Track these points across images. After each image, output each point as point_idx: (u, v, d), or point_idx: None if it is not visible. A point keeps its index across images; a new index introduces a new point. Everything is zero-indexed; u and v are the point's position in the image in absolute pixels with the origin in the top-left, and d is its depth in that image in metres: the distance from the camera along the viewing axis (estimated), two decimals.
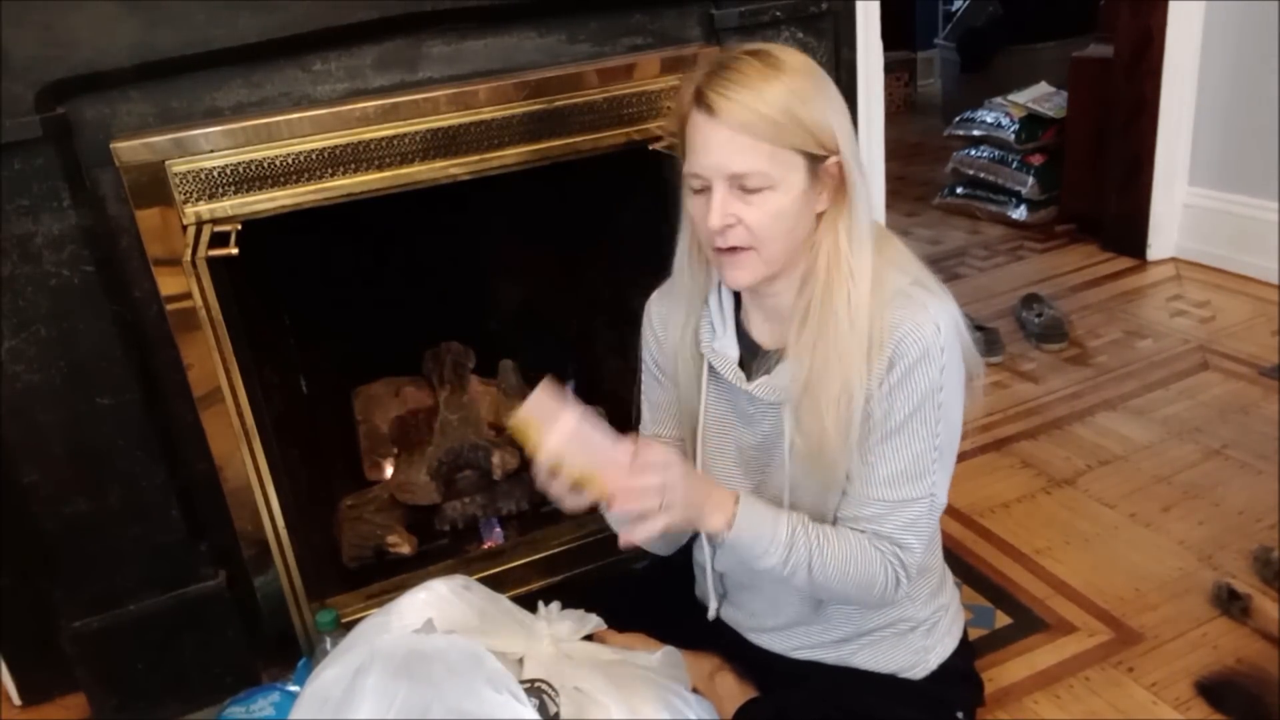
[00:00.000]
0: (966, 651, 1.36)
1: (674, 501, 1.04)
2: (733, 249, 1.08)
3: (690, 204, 1.12)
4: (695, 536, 1.33)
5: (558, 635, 1.26)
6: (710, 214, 1.06)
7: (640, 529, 1.05)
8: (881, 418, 1.10)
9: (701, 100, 1.05)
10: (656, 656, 1.29)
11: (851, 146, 1.08)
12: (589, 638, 1.31)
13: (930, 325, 1.08)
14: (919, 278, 1.13)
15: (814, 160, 1.06)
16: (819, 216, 1.10)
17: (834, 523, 1.18)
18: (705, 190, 1.07)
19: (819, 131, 1.05)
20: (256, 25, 1.30)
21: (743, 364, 1.20)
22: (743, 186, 1.05)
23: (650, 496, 1.03)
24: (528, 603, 1.37)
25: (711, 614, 1.34)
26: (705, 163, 1.06)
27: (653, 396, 1.33)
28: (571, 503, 1.07)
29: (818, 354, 1.09)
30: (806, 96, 1.05)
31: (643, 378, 1.34)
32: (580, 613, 1.30)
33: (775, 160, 1.04)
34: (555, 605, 1.31)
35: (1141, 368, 2.38)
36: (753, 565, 1.14)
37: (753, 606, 1.32)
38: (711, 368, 1.21)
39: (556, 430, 1.03)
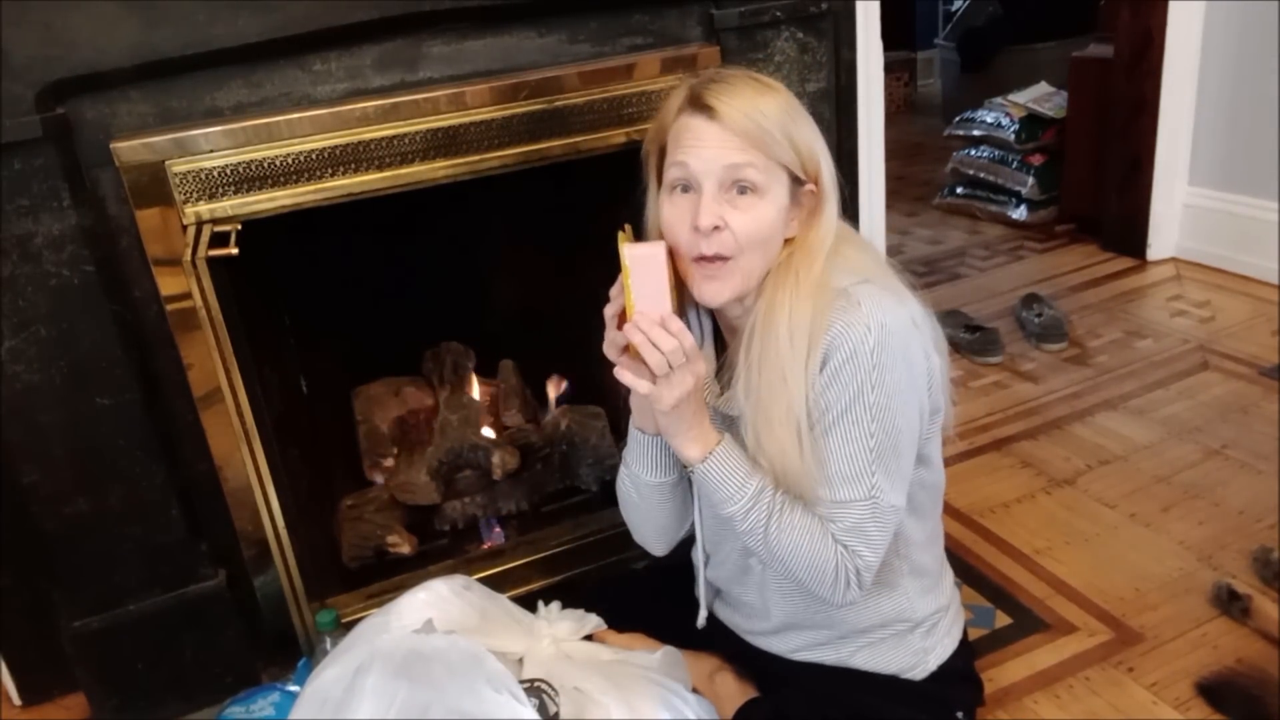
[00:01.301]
0: (966, 652, 1.36)
1: (671, 382, 1.05)
2: (713, 258, 1.08)
3: (668, 211, 1.11)
4: (693, 538, 1.33)
5: (557, 635, 1.26)
6: (700, 213, 1.06)
7: (627, 370, 1.07)
8: (818, 417, 1.10)
9: (698, 103, 1.06)
10: (656, 656, 1.29)
11: (832, 177, 1.11)
12: (589, 638, 1.31)
13: (860, 326, 1.07)
14: (871, 276, 1.12)
15: (796, 182, 1.09)
16: (786, 242, 1.12)
17: None
18: (690, 191, 1.08)
19: (805, 154, 1.08)
20: (256, 25, 1.30)
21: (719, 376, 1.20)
22: (735, 185, 1.06)
23: (661, 343, 1.03)
24: (528, 603, 1.37)
25: (700, 622, 1.35)
26: (702, 156, 1.06)
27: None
28: (612, 340, 1.10)
29: (764, 376, 1.09)
30: (796, 118, 1.08)
31: None
32: (580, 613, 1.30)
33: (766, 168, 1.06)
34: (555, 605, 1.32)
35: (1141, 368, 2.39)
36: (717, 509, 1.14)
37: (746, 610, 1.32)
38: None
39: (640, 250, 1.07)
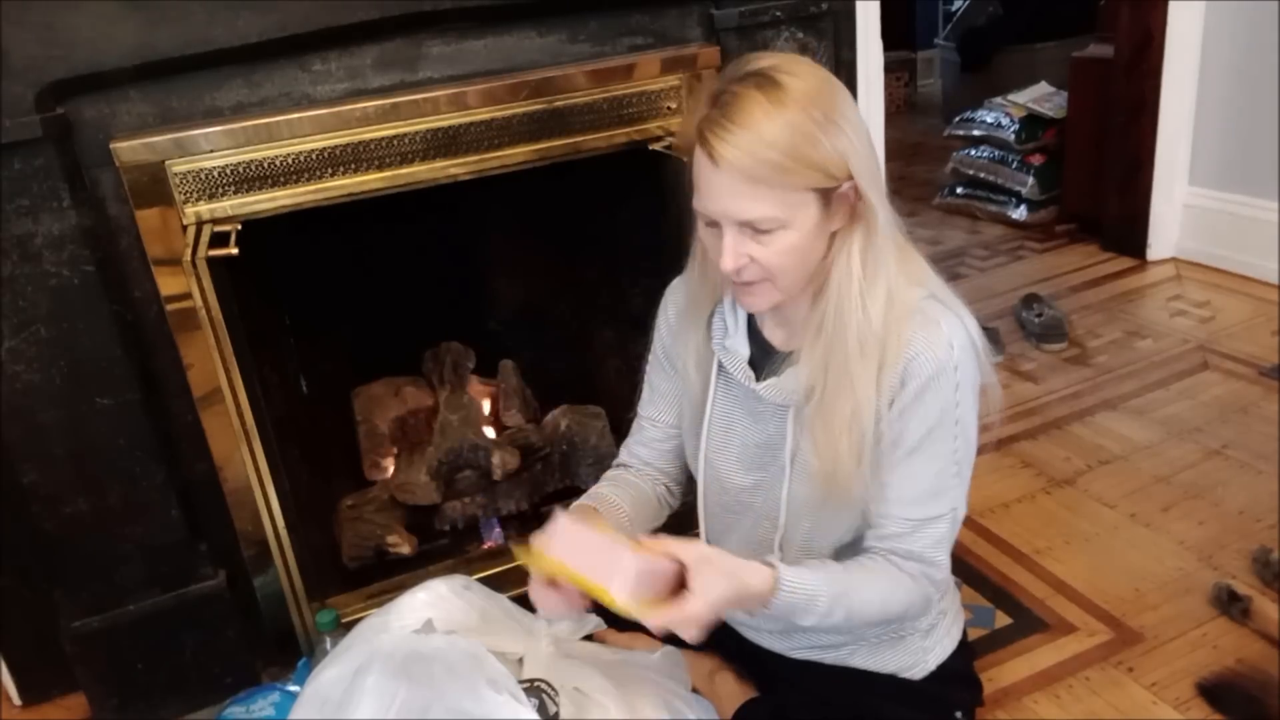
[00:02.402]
0: (965, 652, 1.36)
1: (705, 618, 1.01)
2: (748, 281, 1.07)
3: (702, 235, 1.10)
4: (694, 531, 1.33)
5: (557, 635, 1.26)
6: (723, 257, 1.04)
7: (672, 630, 1.02)
8: (896, 437, 1.09)
9: (704, 143, 1.00)
10: (656, 656, 1.29)
11: (867, 165, 1.03)
12: (589, 638, 1.31)
13: (944, 344, 1.07)
14: (935, 291, 1.11)
15: (826, 191, 1.02)
16: (834, 235, 1.07)
17: (842, 546, 1.18)
18: (715, 226, 1.05)
19: (829, 165, 1.00)
20: (256, 25, 1.30)
21: (752, 362, 1.19)
22: (753, 228, 1.03)
23: (683, 627, 1.00)
24: (528, 603, 1.37)
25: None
26: (712, 208, 1.03)
27: (656, 382, 1.33)
28: (570, 606, 1.05)
29: (830, 375, 1.08)
30: (813, 130, 0.99)
31: (650, 360, 1.34)
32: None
33: (785, 202, 1.01)
34: None
35: (1141, 368, 2.39)
36: (793, 622, 1.12)
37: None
38: (721, 364, 1.21)
39: (553, 539, 1.02)
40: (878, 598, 1.12)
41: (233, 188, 1.35)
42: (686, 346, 1.24)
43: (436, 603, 1.26)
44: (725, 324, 1.20)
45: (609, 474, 1.36)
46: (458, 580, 1.31)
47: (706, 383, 1.23)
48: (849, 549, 1.19)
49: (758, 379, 1.17)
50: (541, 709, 1.15)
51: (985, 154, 3.53)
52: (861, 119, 1.05)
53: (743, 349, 1.19)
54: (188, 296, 1.36)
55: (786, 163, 0.98)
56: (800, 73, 1.01)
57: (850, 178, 1.02)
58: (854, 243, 1.06)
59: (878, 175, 1.06)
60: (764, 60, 1.03)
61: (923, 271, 1.12)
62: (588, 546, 1.01)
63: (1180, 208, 2.92)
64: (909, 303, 1.08)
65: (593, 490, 1.31)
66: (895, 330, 1.07)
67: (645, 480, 1.34)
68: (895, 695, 1.26)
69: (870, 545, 1.16)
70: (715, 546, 1.30)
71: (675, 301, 1.28)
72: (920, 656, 1.27)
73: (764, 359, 1.19)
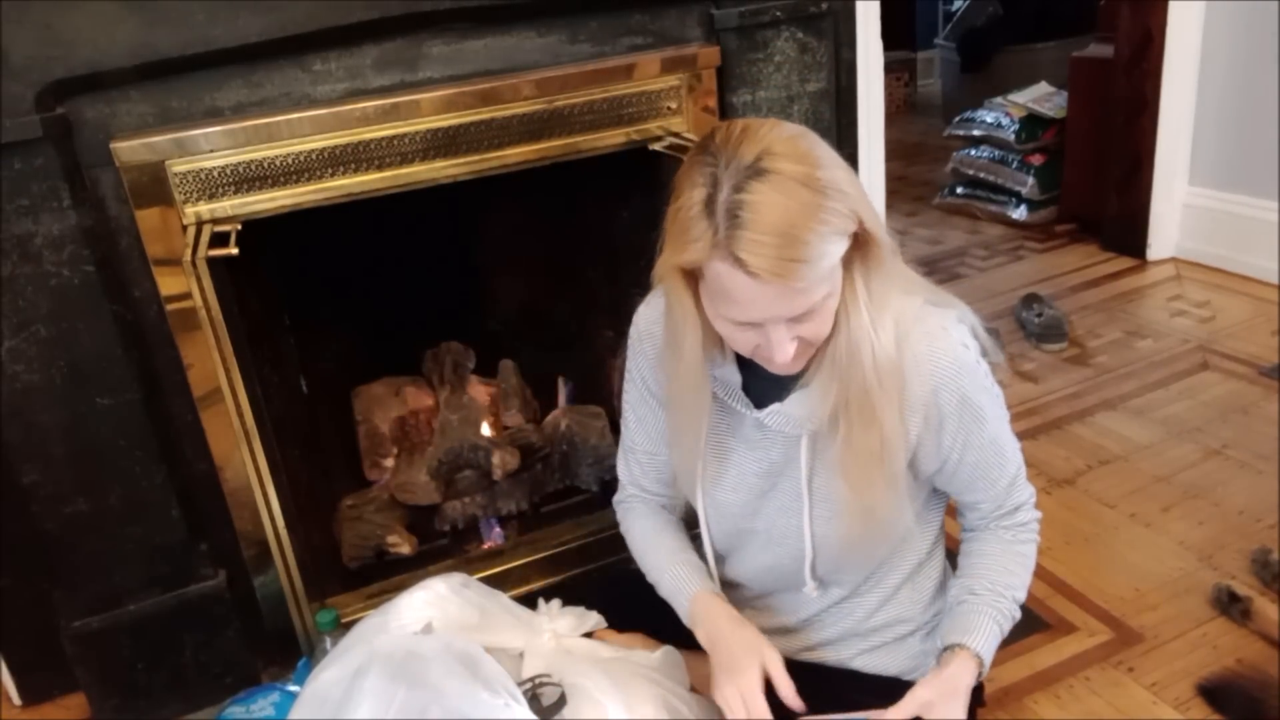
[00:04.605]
0: None
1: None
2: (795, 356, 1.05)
3: (728, 333, 1.05)
4: (697, 539, 1.33)
5: (558, 630, 1.26)
6: (775, 353, 1.01)
7: None
8: (950, 448, 1.13)
9: (737, 262, 0.95)
10: (656, 656, 1.28)
11: (865, 204, 1.01)
12: (589, 635, 1.31)
13: (957, 347, 1.09)
14: (928, 294, 1.11)
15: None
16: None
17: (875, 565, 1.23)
18: (754, 326, 1.02)
19: (846, 225, 0.98)
20: (256, 25, 1.30)
21: (746, 388, 1.16)
22: (802, 315, 1.00)
23: None
24: (528, 603, 1.37)
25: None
26: (758, 316, 1.00)
27: (643, 414, 1.29)
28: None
29: (853, 409, 1.06)
30: (823, 203, 0.95)
31: (630, 391, 1.29)
32: (581, 610, 1.30)
33: (827, 277, 0.98)
34: (556, 602, 1.31)
35: (1141, 368, 2.39)
36: None
37: (772, 611, 1.32)
38: (715, 393, 1.18)
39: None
40: (1020, 571, 1.19)
41: (233, 188, 1.35)
42: (674, 379, 1.19)
43: (435, 602, 1.25)
44: (712, 352, 1.15)
45: (636, 517, 1.35)
46: (456, 578, 1.31)
47: (700, 412, 1.19)
48: (883, 567, 1.23)
49: (757, 405, 1.15)
50: (536, 704, 1.15)
51: (985, 154, 3.53)
52: (836, 154, 1.02)
53: (734, 377, 1.16)
54: (188, 296, 1.36)
55: (819, 251, 0.95)
56: (781, 149, 0.97)
57: (859, 222, 1.00)
58: (856, 271, 1.04)
59: (871, 204, 1.04)
60: (743, 150, 0.97)
61: (912, 278, 1.12)
62: None
63: (1180, 207, 2.92)
64: (911, 315, 1.08)
65: (673, 549, 1.30)
66: (909, 350, 1.07)
67: (663, 510, 1.35)
68: (895, 697, 1.25)
69: (973, 525, 1.24)
70: (731, 576, 1.32)
71: (651, 336, 1.23)
72: (921, 659, 1.27)
73: (757, 383, 1.15)
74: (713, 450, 1.21)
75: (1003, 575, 1.18)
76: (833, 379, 1.07)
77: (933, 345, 1.08)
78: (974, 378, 1.10)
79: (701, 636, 1.21)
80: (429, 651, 1.09)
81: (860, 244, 1.02)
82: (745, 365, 1.15)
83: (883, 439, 1.07)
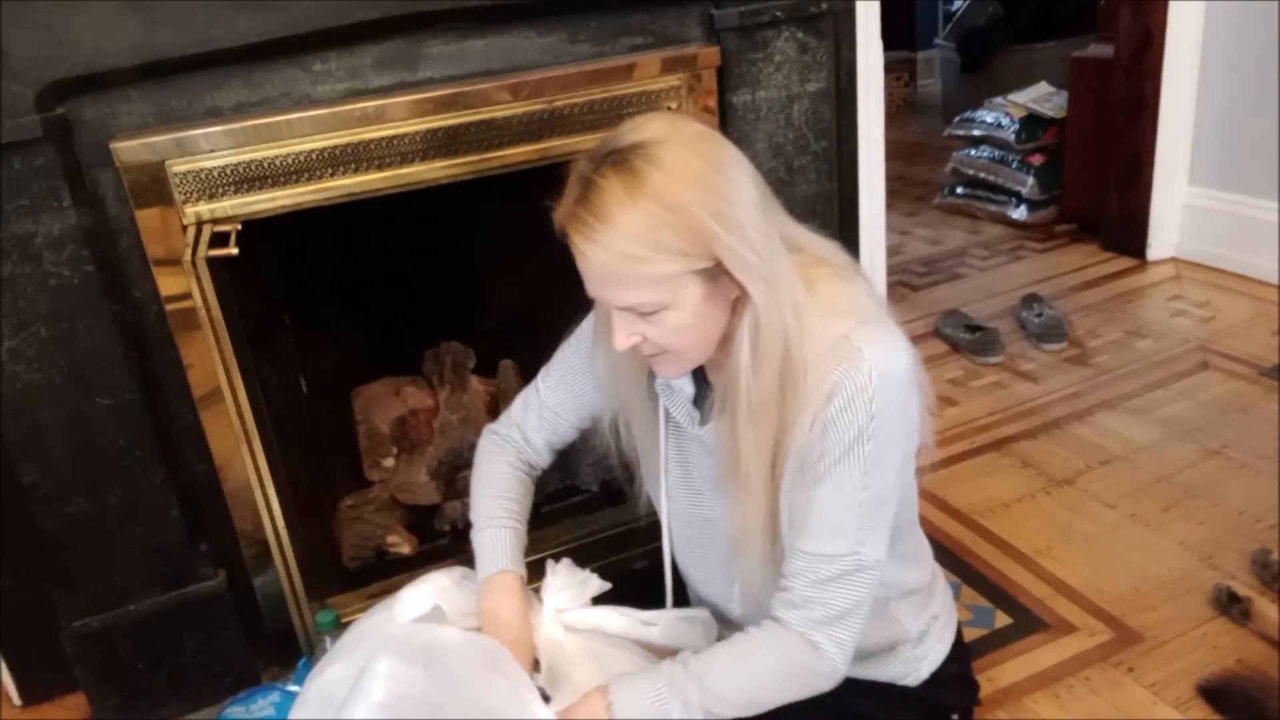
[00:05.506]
0: (961, 655, 1.35)
1: None
2: (650, 354, 1.06)
3: (598, 312, 1.09)
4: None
5: (559, 606, 1.25)
6: (614, 337, 1.03)
7: None
8: (811, 464, 1.03)
9: (566, 236, 0.99)
10: (673, 615, 1.28)
11: (739, 240, 0.96)
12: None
13: (862, 375, 1.00)
14: (865, 313, 1.04)
15: (706, 270, 0.97)
16: (736, 300, 1.01)
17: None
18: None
19: (694, 248, 0.95)
20: (256, 25, 1.30)
21: (699, 399, 1.16)
22: (636, 311, 1.00)
23: None
24: None
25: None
26: (591, 294, 1.03)
27: (571, 381, 1.31)
28: None
29: (734, 442, 1.05)
30: (669, 218, 0.94)
31: (571, 351, 1.32)
32: (582, 576, 1.29)
33: (657, 286, 0.97)
34: (565, 561, 1.31)
35: (1141, 368, 2.39)
36: None
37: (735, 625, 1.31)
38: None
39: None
40: (746, 680, 1.06)
41: (233, 188, 1.35)
42: (626, 387, 1.20)
43: (438, 594, 1.25)
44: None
45: (502, 458, 1.34)
46: (456, 571, 1.30)
47: (657, 421, 1.21)
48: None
49: (701, 423, 1.15)
50: None
51: (985, 154, 3.53)
52: (741, 190, 0.98)
53: (687, 388, 1.16)
54: (188, 296, 1.36)
55: (644, 253, 0.94)
56: (663, 157, 0.95)
57: (718, 263, 0.96)
58: (745, 314, 1.01)
59: (761, 244, 0.98)
60: (634, 134, 0.97)
61: (852, 300, 1.06)
62: None
63: (1180, 208, 2.92)
64: (829, 337, 1.02)
65: (513, 511, 1.30)
66: (815, 366, 1.01)
67: (526, 466, 1.36)
68: (890, 701, 1.25)
69: (778, 596, 1.09)
70: (686, 580, 1.32)
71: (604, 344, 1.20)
72: (913, 665, 1.26)
73: (705, 398, 1.15)
74: (675, 456, 1.23)
75: (728, 682, 1.06)
76: (724, 414, 1.06)
77: (845, 364, 1.00)
78: (858, 410, 1.00)
79: (483, 608, 1.20)
80: (446, 643, 1.09)
81: (728, 285, 0.99)
82: (697, 374, 1.16)
83: (750, 473, 1.05)
